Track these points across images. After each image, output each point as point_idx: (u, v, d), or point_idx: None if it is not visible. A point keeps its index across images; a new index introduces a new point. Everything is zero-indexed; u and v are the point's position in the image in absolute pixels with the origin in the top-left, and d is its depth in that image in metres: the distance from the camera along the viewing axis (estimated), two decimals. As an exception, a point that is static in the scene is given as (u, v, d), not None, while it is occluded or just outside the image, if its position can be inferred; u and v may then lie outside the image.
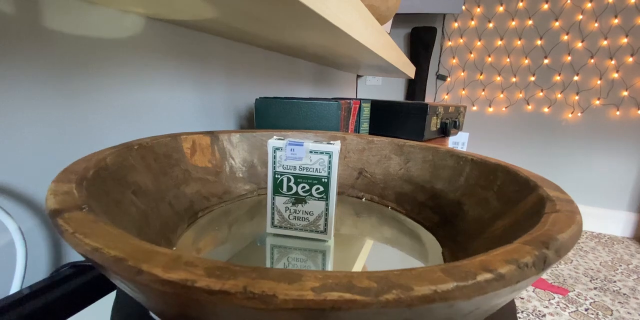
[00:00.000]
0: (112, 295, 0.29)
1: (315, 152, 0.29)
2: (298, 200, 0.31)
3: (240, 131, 0.44)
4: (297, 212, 0.31)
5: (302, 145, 0.29)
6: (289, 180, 0.30)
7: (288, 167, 0.30)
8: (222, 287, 0.11)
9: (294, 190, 0.30)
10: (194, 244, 0.31)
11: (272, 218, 0.32)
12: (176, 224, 0.32)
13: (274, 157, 0.30)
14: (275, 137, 0.31)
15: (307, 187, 0.30)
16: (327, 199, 0.30)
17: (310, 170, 0.29)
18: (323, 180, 0.29)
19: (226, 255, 0.29)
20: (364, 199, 0.43)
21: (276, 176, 0.31)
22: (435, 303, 0.11)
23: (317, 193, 0.30)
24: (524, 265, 0.13)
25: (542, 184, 0.25)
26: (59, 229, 0.15)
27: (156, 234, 0.27)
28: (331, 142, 0.29)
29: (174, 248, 0.29)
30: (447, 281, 0.12)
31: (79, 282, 0.30)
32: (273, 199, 0.31)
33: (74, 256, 0.40)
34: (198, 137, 0.40)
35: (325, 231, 0.31)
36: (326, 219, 0.30)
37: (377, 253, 0.30)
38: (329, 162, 0.29)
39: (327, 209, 0.30)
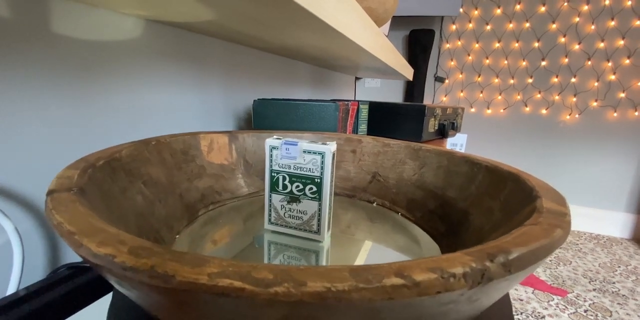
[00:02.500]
0: (108, 297, 0.29)
1: (309, 152, 0.29)
2: (292, 199, 0.31)
3: (257, 131, 0.45)
4: (292, 210, 0.31)
5: (297, 144, 0.29)
6: (284, 178, 0.31)
7: (283, 166, 0.30)
8: (134, 264, 0.12)
9: (288, 189, 0.31)
10: (194, 234, 0.32)
11: (269, 215, 0.32)
12: (183, 214, 0.33)
13: (271, 155, 0.31)
14: (275, 136, 0.31)
15: (301, 187, 0.30)
16: (320, 199, 0.30)
17: (304, 169, 0.30)
18: (316, 180, 0.30)
19: (222, 247, 0.29)
20: (374, 204, 0.42)
21: (272, 174, 0.31)
22: (328, 301, 0.11)
23: (311, 193, 0.30)
24: (450, 276, 0.12)
25: (545, 194, 0.23)
26: (45, 206, 0.17)
27: (158, 221, 0.28)
28: (326, 142, 0.30)
29: (177, 236, 0.31)
30: (346, 280, 0.11)
31: (76, 283, 0.30)
32: (270, 196, 0.32)
33: (71, 257, 0.40)
34: (216, 136, 0.41)
35: (318, 231, 0.31)
36: (319, 220, 0.31)
37: (376, 258, 0.30)
38: (322, 163, 0.29)
39: (320, 210, 0.30)
